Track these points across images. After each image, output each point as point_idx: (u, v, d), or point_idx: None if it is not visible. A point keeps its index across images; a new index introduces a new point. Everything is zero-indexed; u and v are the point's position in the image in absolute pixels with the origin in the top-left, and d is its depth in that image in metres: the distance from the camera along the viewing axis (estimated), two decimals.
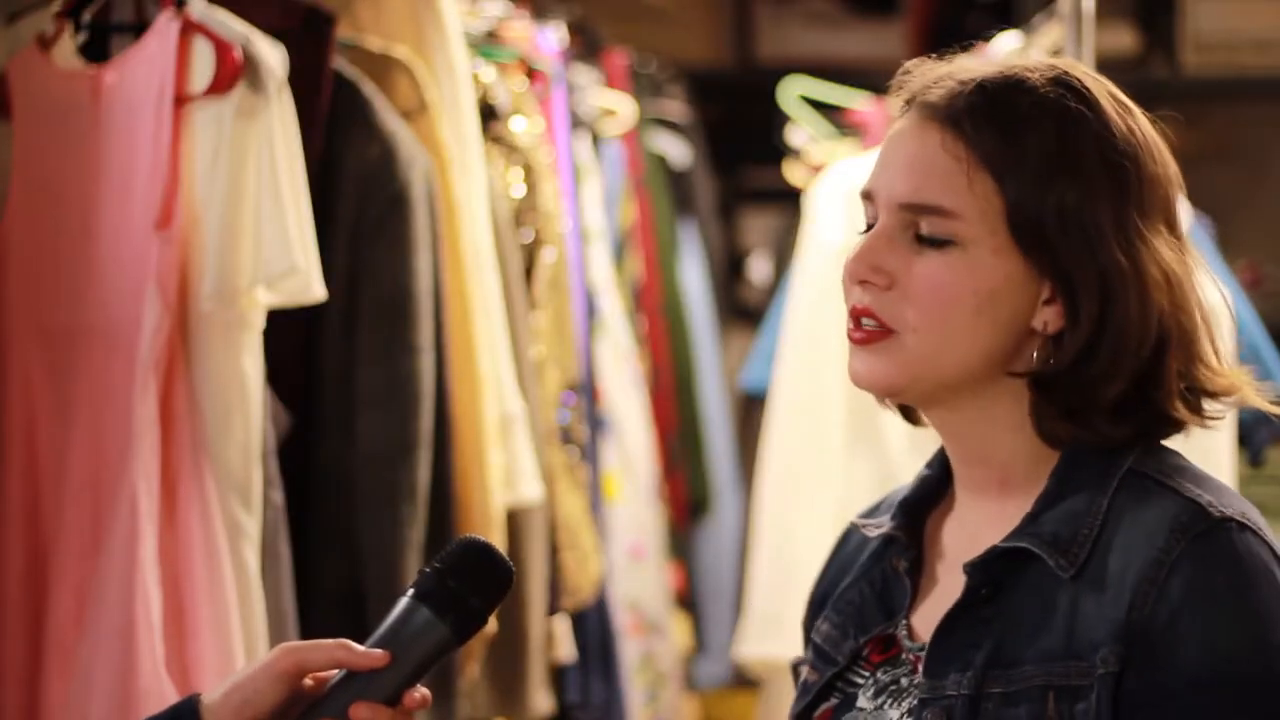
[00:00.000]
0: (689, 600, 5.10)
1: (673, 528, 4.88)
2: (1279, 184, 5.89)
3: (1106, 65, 2.57)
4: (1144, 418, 1.62)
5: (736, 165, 6.41)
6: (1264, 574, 1.55)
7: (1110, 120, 1.63)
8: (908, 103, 1.67)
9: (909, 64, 1.70)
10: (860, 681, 1.70)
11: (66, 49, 2.46)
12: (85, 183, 2.39)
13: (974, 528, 1.68)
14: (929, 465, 1.76)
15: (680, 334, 5.20)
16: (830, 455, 3.62)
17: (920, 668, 1.64)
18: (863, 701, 1.68)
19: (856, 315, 1.64)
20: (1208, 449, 2.64)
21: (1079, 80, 1.65)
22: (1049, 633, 1.57)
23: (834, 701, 1.71)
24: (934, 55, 1.71)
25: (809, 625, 1.82)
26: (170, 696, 2.23)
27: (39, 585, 2.37)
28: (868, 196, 1.67)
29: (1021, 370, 1.62)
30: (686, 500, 5.16)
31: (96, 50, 2.49)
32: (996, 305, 1.60)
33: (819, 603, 1.81)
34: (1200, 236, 3.29)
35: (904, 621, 1.69)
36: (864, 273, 1.63)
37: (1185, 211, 1.71)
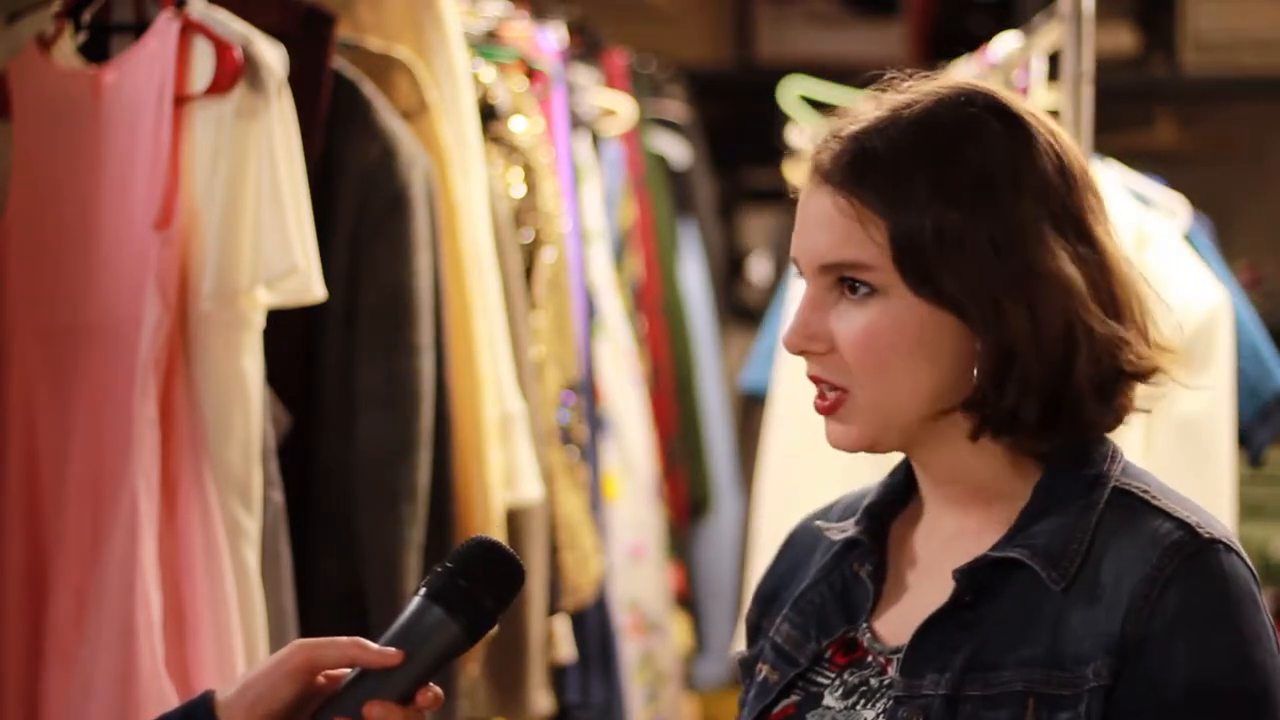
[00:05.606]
0: (689, 600, 5.10)
1: (673, 528, 4.87)
2: (1279, 184, 5.89)
3: (1106, 65, 2.57)
4: (1063, 425, 1.65)
5: (736, 165, 6.40)
6: (1247, 594, 1.61)
7: (995, 138, 1.64)
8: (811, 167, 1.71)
9: (817, 132, 1.74)
10: (824, 682, 1.72)
11: (66, 49, 2.46)
12: (85, 182, 2.39)
13: (949, 536, 1.71)
14: (893, 473, 1.80)
15: (680, 334, 5.19)
16: (830, 455, 3.61)
17: (891, 669, 1.67)
18: (831, 701, 1.70)
19: (816, 383, 1.70)
20: (1208, 450, 2.63)
21: (968, 100, 1.66)
22: (1031, 641, 1.61)
23: (795, 698, 1.73)
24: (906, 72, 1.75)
25: (756, 620, 1.85)
26: (170, 697, 2.23)
27: (39, 585, 2.37)
28: (795, 262, 1.71)
29: (953, 404, 1.65)
30: (686, 500, 5.15)
31: (96, 50, 2.49)
32: (930, 344, 1.64)
33: (768, 599, 1.85)
34: (1200, 236, 3.29)
35: (865, 625, 1.72)
36: (800, 343, 1.69)
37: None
